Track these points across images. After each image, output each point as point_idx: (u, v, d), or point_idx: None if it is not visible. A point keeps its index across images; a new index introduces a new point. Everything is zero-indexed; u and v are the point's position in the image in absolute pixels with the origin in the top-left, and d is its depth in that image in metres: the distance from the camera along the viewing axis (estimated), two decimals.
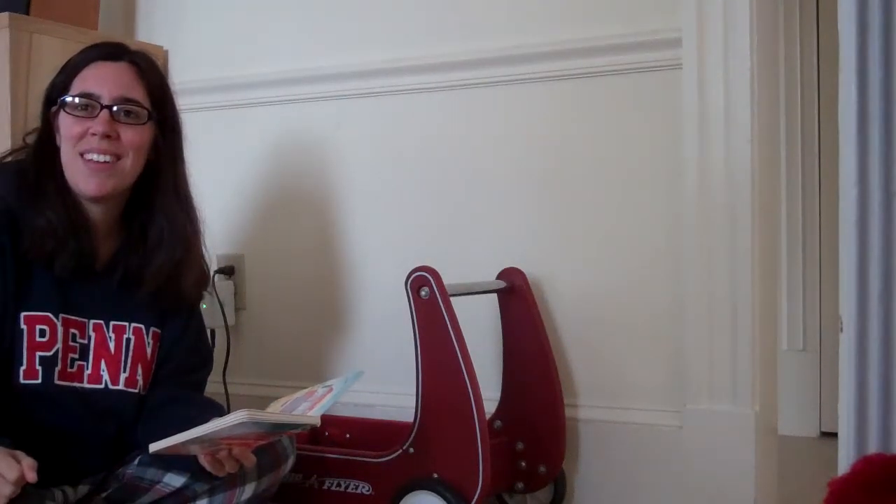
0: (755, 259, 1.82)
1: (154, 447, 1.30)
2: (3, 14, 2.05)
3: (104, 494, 1.52)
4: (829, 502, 1.14)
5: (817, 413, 2.80)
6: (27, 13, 2.12)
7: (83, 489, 1.53)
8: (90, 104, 1.48)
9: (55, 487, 1.49)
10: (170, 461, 1.50)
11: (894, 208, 1.22)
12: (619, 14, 1.95)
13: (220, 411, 1.48)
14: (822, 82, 2.82)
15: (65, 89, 1.50)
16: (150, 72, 1.55)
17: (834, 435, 1.32)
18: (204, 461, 1.39)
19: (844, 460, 1.24)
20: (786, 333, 2.82)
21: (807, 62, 2.83)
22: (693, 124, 1.85)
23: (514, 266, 1.96)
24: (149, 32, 2.45)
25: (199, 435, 1.28)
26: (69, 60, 1.54)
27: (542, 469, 1.90)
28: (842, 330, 1.26)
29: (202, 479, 1.49)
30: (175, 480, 1.50)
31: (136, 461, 1.54)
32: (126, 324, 1.55)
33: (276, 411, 1.41)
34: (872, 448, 1.23)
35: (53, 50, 2.09)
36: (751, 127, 1.82)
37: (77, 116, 1.48)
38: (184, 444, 1.30)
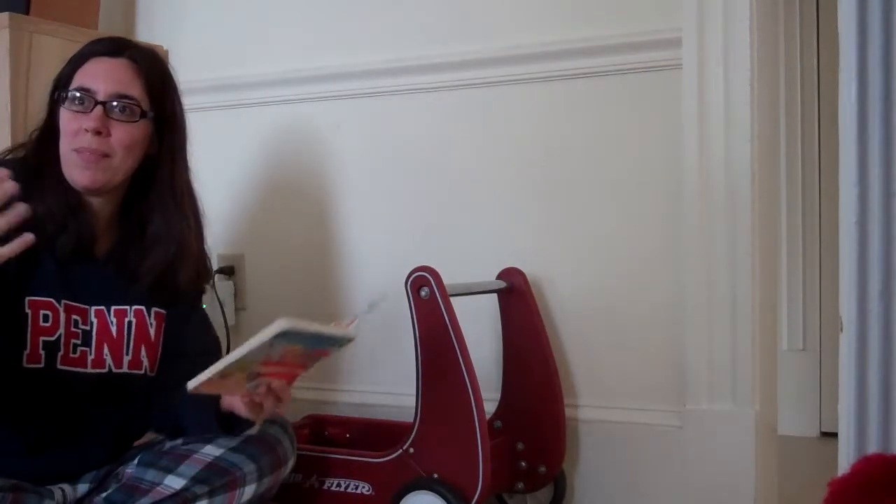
0: (755, 259, 1.82)
1: (192, 384, 1.27)
2: (3, 14, 2.05)
3: (104, 495, 1.53)
4: (829, 502, 1.14)
5: (817, 413, 2.80)
6: (27, 13, 2.12)
7: (83, 488, 1.54)
8: (86, 99, 1.49)
9: (54, 486, 1.49)
10: (171, 464, 1.51)
11: (894, 208, 1.22)
12: (619, 14, 1.95)
13: None
14: (822, 82, 2.82)
15: (67, 82, 1.52)
16: (150, 68, 1.55)
17: (834, 435, 1.32)
18: (241, 406, 1.39)
19: (844, 460, 1.24)
20: (786, 333, 2.82)
21: (807, 62, 2.83)
22: (693, 124, 1.85)
23: (514, 266, 1.96)
24: (149, 32, 2.45)
25: (237, 358, 1.24)
26: (75, 53, 1.55)
27: (542, 469, 1.90)
28: (842, 330, 1.26)
29: (203, 481, 1.50)
30: (175, 482, 1.51)
31: (135, 460, 1.55)
32: (127, 307, 1.57)
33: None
34: (872, 448, 1.23)
35: (53, 50, 2.09)
36: (751, 127, 1.82)
37: (73, 111, 1.49)
38: (222, 376, 1.27)
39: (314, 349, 1.33)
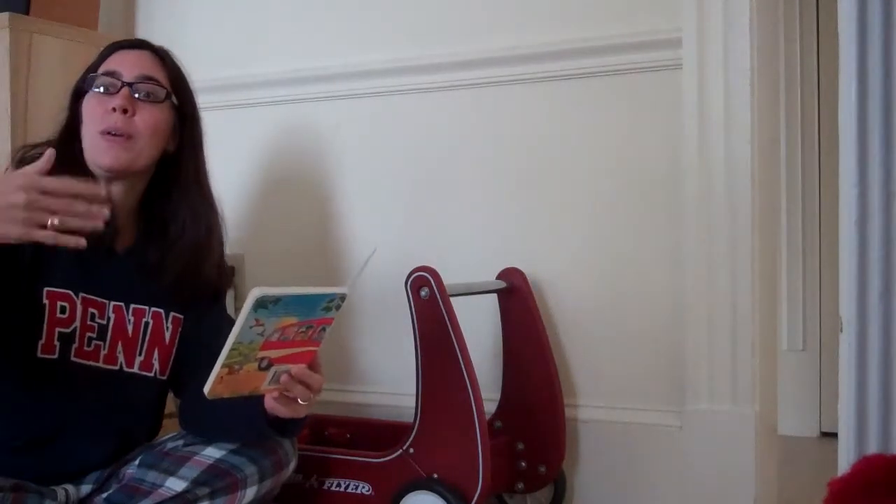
0: (755, 259, 1.82)
1: (206, 388, 1.25)
2: (3, 14, 2.06)
3: (105, 495, 1.53)
4: (829, 502, 1.14)
5: (817, 413, 2.80)
6: (27, 13, 2.12)
7: (85, 488, 1.54)
8: (112, 82, 1.52)
9: (57, 486, 1.49)
10: (172, 466, 1.51)
11: (894, 208, 1.22)
12: (619, 14, 1.95)
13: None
14: (822, 82, 2.82)
15: (93, 74, 1.55)
16: (171, 63, 1.59)
17: (834, 435, 1.32)
18: (276, 405, 1.37)
19: (844, 460, 1.24)
20: (786, 333, 2.82)
21: (807, 62, 2.83)
22: (693, 124, 1.85)
23: (514, 266, 1.96)
24: (149, 32, 2.44)
25: (230, 345, 1.21)
26: (97, 55, 1.58)
27: (542, 469, 1.90)
28: (842, 330, 1.26)
29: (204, 483, 1.50)
30: (176, 484, 1.50)
31: (136, 461, 1.55)
32: (146, 307, 1.57)
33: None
34: (872, 448, 1.23)
35: (53, 50, 2.10)
36: (751, 127, 1.82)
37: (100, 95, 1.51)
38: (230, 372, 1.24)
39: (311, 317, 1.28)
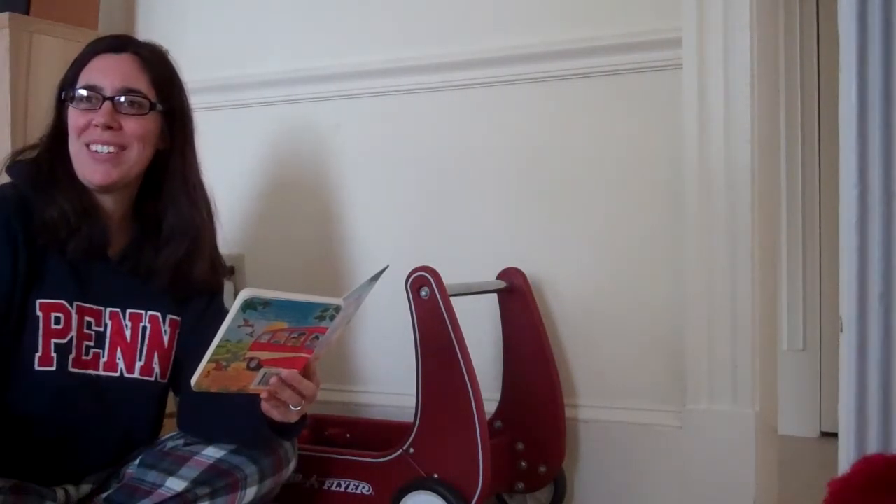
0: (755, 259, 1.82)
1: (192, 380, 1.24)
2: (3, 14, 2.06)
3: (105, 495, 1.53)
4: (829, 502, 1.14)
5: (817, 413, 2.80)
6: (27, 13, 2.12)
7: (85, 488, 1.54)
8: (94, 96, 1.50)
9: (57, 486, 1.49)
10: (172, 466, 1.51)
11: (894, 208, 1.22)
12: (619, 14, 1.95)
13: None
14: (822, 82, 2.82)
15: (73, 82, 1.52)
16: (155, 62, 1.56)
17: (834, 435, 1.32)
18: (266, 408, 1.36)
19: (844, 460, 1.24)
20: (786, 333, 2.82)
21: (807, 62, 2.83)
22: (693, 124, 1.85)
23: (514, 266, 1.96)
24: (149, 32, 2.44)
25: (218, 341, 1.21)
26: (79, 54, 1.56)
27: (542, 469, 1.90)
28: (842, 330, 1.26)
29: (204, 483, 1.50)
30: (176, 484, 1.50)
31: (136, 461, 1.55)
32: (142, 312, 1.56)
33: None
34: (872, 448, 1.23)
35: (53, 50, 2.10)
36: (751, 127, 1.82)
37: (81, 109, 1.50)
38: (217, 367, 1.23)
39: (302, 325, 1.27)
